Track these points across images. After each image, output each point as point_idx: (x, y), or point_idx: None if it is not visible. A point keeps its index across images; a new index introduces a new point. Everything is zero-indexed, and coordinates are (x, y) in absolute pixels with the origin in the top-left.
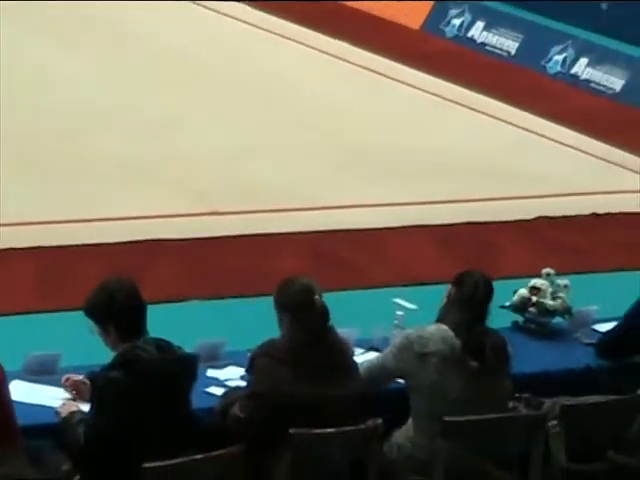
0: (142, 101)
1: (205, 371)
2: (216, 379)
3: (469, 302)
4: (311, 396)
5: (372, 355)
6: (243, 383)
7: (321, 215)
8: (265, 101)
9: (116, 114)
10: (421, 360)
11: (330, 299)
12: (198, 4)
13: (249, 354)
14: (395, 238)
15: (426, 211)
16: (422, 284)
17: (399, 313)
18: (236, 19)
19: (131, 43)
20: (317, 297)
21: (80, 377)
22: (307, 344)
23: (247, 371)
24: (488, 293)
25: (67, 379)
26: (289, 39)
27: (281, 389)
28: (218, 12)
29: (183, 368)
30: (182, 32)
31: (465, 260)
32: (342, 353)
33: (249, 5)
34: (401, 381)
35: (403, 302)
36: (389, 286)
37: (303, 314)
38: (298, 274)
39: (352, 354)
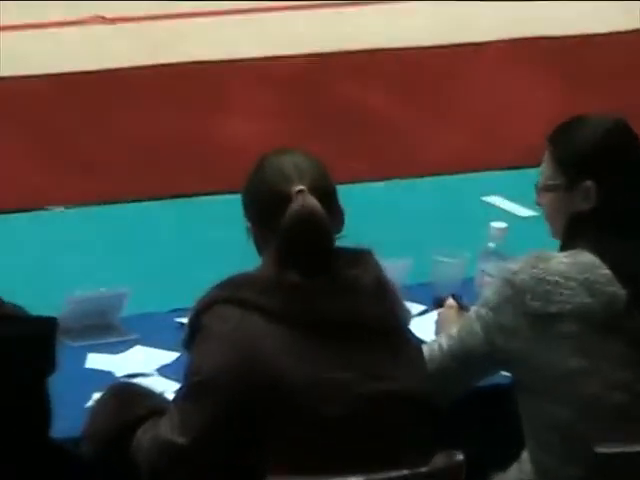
0: None
1: (83, 356)
2: (108, 373)
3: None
4: (326, 386)
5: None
6: (159, 381)
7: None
8: None
9: None
10: (545, 328)
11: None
12: None
13: (192, 309)
14: (465, 59)
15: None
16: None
17: (496, 226)
18: None
19: None
20: (304, 194)
21: None
22: (312, 279)
23: (186, 343)
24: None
25: None
26: None
27: (265, 367)
28: None
29: (22, 345)
30: None
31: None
32: (388, 305)
33: None
34: (505, 374)
35: (502, 202)
36: (458, 172)
37: (297, 222)
38: (283, 146)
39: (406, 314)
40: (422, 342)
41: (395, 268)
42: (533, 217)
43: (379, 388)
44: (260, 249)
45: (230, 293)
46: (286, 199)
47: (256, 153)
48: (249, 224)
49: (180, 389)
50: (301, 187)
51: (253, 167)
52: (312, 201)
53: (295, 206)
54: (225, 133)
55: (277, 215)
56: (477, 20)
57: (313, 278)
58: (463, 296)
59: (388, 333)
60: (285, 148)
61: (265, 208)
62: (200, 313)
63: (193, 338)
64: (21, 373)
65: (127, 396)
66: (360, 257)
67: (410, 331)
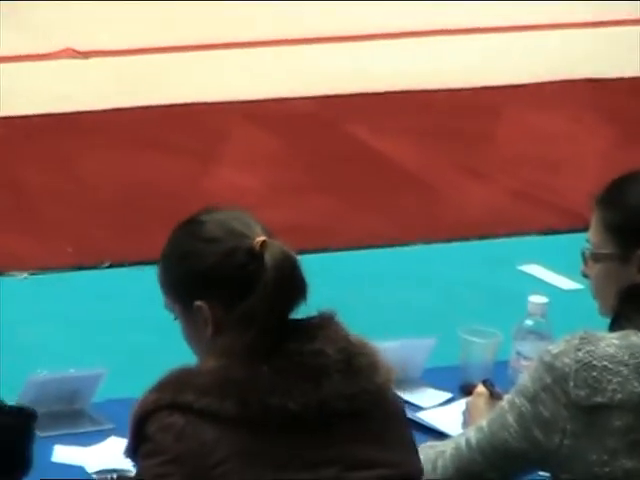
0: None
1: (49, 448)
2: (79, 469)
3: None
4: None
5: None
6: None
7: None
8: None
9: None
10: (591, 421)
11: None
12: None
13: (132, 414)
14: (499, 103)
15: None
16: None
17: (535, 300)
18: None
19: None
20: (271, 241)
21: None
22: (267, 365)
23: (129, 453)
24: None
25: None
26: None
27: None
28: None
29: None
30: None
31: None
32: (364, 378)
33: None
34: (543, 474)
35: (543, 272)
36: (491, 235)
37: (246, 285)
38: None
39: (390, 376)
40: (446, 435)
41: (416, 348)
42: (578, 290)
43: (366, 477)
44: (200, 335)
45: (171, 397)
46: (249, 255)
47: (253, 208)
48: (193, 304)
49: None
50: (262, 237)
51: (175, 238)
52: (286, 248)
53: (271, 256)
54: (216, 187)
55: (242, 279)
56: (511, 58)
57: (268, 363)
58: (495, 382)
59: (364, 412)
60: (208, 208)
61: (222, 274)
62: (142, 420)
63: (137, 449)
64: None
65: None
66: (320, 325)
67: (396, 399)
